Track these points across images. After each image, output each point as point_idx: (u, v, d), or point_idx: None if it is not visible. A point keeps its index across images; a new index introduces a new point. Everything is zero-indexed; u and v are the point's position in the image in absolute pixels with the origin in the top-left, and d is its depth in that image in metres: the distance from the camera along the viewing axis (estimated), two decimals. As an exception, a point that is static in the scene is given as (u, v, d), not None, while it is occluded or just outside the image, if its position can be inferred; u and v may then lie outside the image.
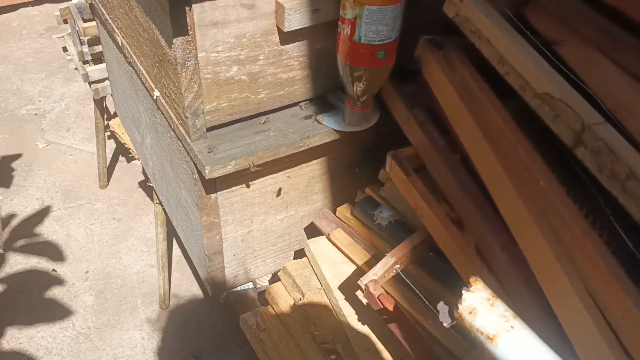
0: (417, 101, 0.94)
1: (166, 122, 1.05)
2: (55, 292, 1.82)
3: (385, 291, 0.90)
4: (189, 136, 0.94)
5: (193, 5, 0.81)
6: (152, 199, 1.72)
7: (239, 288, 1.23)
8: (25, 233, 2.00)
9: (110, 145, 2.28)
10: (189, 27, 0.82)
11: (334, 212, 1.13)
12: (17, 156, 2.29)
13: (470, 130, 0.78)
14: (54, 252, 1.94)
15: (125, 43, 1.14)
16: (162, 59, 0.92)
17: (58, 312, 1.77)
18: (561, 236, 0.64)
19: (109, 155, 2.26)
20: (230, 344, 1.70)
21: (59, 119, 2.48)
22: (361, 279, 0.89)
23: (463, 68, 0.83)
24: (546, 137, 0.73)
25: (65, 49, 1.86)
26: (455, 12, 0.83)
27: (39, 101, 2.56)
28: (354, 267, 1.03)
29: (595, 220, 0.66)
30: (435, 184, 0.90)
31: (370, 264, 0.99)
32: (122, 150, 2.28)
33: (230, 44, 0.88)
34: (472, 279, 0.64)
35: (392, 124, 0.99)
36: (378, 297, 0.86)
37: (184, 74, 0.86)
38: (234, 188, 1.02)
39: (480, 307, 0.61)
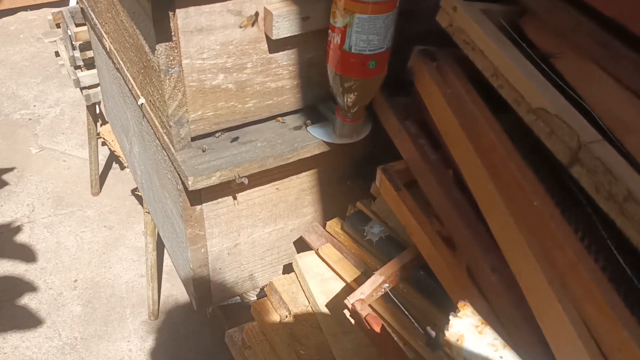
0: (409, 114, 0.91)
1: (152, 131, 1.02)
2: (43, 301, 1.79)
3: (374, 310, 0.86)
4: (173, 145, 0.91)
5: (177, 10, 0.78)
6: (143, 207, 1.69)
7: (225, 302, 1.20)
8: (14, 240, 1.96)
9: (104, 151, 2.26)
10: (172, 33, 0.79)
11: (324, 225, 1.10)
12: (10, 161, 2.26)
13: (462, 145, 0.74)
14: (42, 259, 1.91)
15: (112, 48, 1.11)
16: (146, 65, 0.89)
17: (44, 321, 1.73)
18: (554, 260, 0.60)
19: (102, 162, 2.24)
20: (219, 357, 1.66)
21: (53, 124, 2.45)
22: (348, 298, 0.85)
23: (456, 80, 0.79)
24: (541, 153, 0.70)
25: (57, 54, 1.83)
26: (448, 22, 0.80)
27: (34, 106, 2.54)
28: (343, 284, 1.00)
29: (590, 243, 0.63)
30: (426, 199, 0.86)
31: (360, 280, 0.96)
32: (115, 157, 2.25)
33: (217, 51, 0.85)
34: (460, 304, 0.60)
35: (384, 136, 0.96)
36: (365, 318, 0.82)
37: (167, 81, 0.83)
38: (220, 200, 0.99)
39: (468, 334, 0.58)
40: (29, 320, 1.73)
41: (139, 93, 1.00)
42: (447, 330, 0.58)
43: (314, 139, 0.97)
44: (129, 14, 0.89)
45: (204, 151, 0.92)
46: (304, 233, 1.09)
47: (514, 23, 0.81)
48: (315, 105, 1.02)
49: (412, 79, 0.89)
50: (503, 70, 0.70)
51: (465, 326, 0.58)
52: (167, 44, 0.80)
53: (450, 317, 0.59)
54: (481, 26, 0.74)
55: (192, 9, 0.79)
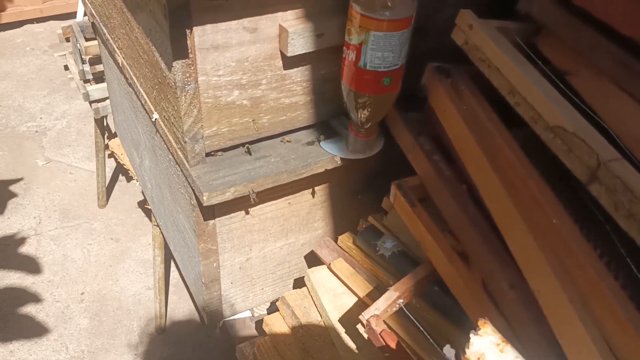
0: (423, 129, 0.91)
1: (165, 146, 1.03)
2: (50, 314, 1.78)
3: (388, 326, 0.86)
4: (188, 161, 0.91)
5: (194, 28, 0.79)
6: (151, 220, 1.69)
7: (236, 316, 1.20)
8: (21, 252, 1.97)
9: (110, 164, 2.26)
10: (189, 50, 0.80)
11: (336, 240, 1.10)
12: (16, 173, 2.26)
13: (478, 163, 0.75)
14: (49, 272, 1.91)
15: (125, 64, 1.12)
16: (161, 81, 0.89)
17: (51, 334, 1.73)
18: (575, 278, 0.60)
19: (109, 174, 2.24)
20: (226, 371, 1.66)
21: (59, 136, 2.46)
22: (362, 313, 0.85)
23: (471, 97, 0.80)
24: (558, 169, 0.70)
25: (66, 68, 1.84)
26: (464, 39, 0.80)
27: (40, 118, 2.55)
28: (355, 299, 1.00)
29: (610, 261, 0.63)
30: (439, 213, 0.86)
31: (372, 296, 0.96)
32: (121, 169, 2.26)
33: (232, 68, 0.86)
34: (480, 322, 0.61)
35: (396, 151, 0.96)
36: (380, 334, 0.82)
37: (183, 97, 0.84)
38: (232, 214, 0.99)
39: (489, 353, 0.58)
40: (36, 334, 1.73)
41: (152, 108, 1.00)
42: (468, 348, 0.58)
43: (327, 154, 0.97)
44: (145, 30, 0.90)
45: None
46: (316, 247, 1.09)
47: (529, 40, 0.81)
48: (328, 120, 1.02)
49: (426, 95, 0.89)
50: (520, 88, 0.70)
51: (486, 345, 0.58)
52: (183, 61, 0.80)
53: (471, 335, 0.59)
54: (497, 44, 0.74)
55: (208, 26, 0.80)
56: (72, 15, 3.00)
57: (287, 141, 0.98)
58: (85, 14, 2.22)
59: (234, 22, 0.82)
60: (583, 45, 0.73)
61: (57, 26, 3.08)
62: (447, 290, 0.84)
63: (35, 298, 1.83)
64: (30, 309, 1.80)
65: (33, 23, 3.19)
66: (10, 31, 3.14)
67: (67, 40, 1.74)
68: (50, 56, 2.94)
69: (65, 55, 1.85)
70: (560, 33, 0.77)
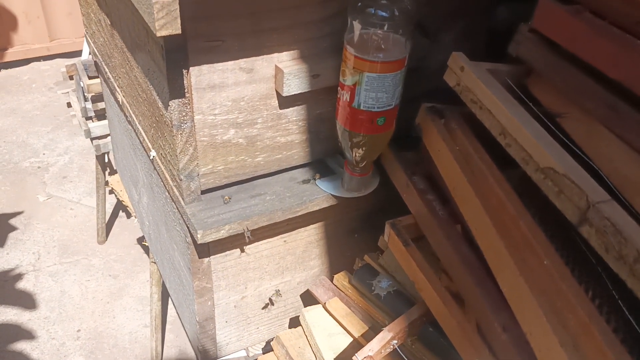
0: (417, 169, 0.92)
1: (162, 183, 1.03)
2: (45, 351, 1.76)
3: (382, 367, 0.85)
4: (183, 199, 0.92)
5: (191, 68, 0.80)
6: (149, 256, 1.69)
7: (230, 355, 1.18)
8: (19, 288, 1.96)
9: (111, 200, 2.27)
10: (185, 90, 0.81)
11: (332, 279, 1.09)
12: (17, 209, 2.27)
13: (470, 203, 0.75)
14: (46, 308, 1.89)
15: (125, 102, 1.13)
16: (158, 120, 0.91)
17: (46, 372, 1.71)
18: (566, 320, 0.60)
19: (109, 211, 2.24)
20: (222, 412, 1.62)
21: (61, 172, 2.47)
22: (356, 354, 0.84)
23: (464, 137, 0.81)
24: (550, 210, 0.70)
25: (69, 105, 1.87)
26: (456, 81, 0.81)
27: (43, 154, 2.56)
28: (351, 339, 0.99)
29: (602, 303, 0.62)
30: (435, 253, 0.86)
31: (368, 336, 0.95)
32: (122, 205, 2.26)
33: (228, 107, 0.87)
34: (471, 364, 0.60)
35: (392, 190, 0.97)
36: (373, 375, 0.81)
37: (179, 136, 0.85)
38: (227, 252, 0.99)
39: (480, 397, 0.57)
40: (30, 372, 1.71)
41: (150, 146, 1.01)
42: (459, 392, 0.58)
43: (323, 193, 0.98)
44: (143, 70, 0.92)
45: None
46: (311, 286, 1.09)
47: (521, 82, 0.83)
48: (324, 159, 1.03)
49: (420, 135, 0.90)
50: (510, 129, 0.71)
51: (477, 388, 0.57)
52: (180, 100, 0.81)
53: (462, 379, 0.58)
54: (488, 86, 0.75)
55: (205, 67, 0.81)
56: (79, 53, 3.05)
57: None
58: (90, 53, 2.26)
59: (230, 63, 0.83)
60: (571, 87, 0.74)
61: (63, 64, 3.10)
62: (442, 331, 0.83)
63: (30, 335, 1.81)
64: (25, 346, 1.78)
65: (40, 61, 3.24)
66: (17, 68, 3.19)
67: (71, 78, 1.77)
68: (55, 93, 2.98)
69: (68, 92, 1.88)
70: (549, 75, 0.78)
